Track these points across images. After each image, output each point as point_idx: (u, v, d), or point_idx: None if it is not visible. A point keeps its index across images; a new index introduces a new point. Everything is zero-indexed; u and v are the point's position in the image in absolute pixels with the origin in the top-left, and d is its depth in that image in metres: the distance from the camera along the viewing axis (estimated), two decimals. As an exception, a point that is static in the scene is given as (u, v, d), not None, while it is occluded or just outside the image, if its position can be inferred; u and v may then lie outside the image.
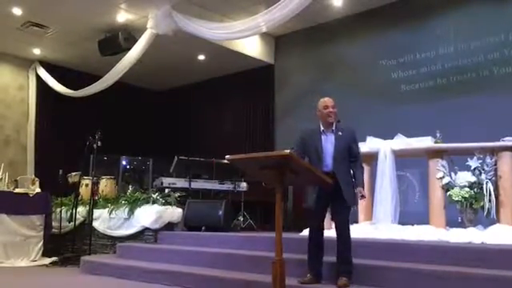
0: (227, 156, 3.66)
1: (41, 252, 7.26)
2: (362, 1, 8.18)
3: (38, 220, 7.32)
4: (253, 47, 9.55)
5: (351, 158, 4.15)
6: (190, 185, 7.41)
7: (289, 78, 9.64)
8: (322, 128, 4.20)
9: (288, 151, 3.39)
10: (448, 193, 5.15)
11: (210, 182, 7.72)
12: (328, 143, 4.13)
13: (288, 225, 7.41)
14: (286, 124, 9.46)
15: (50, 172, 8.22)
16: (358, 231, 5.39)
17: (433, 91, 7.71)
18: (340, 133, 4.16)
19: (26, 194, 7.32)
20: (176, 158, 7.47)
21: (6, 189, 7.34)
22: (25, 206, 7.19)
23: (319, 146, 4.12)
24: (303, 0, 6.25)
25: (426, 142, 5.38)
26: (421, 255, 4.28)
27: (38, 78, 10.42)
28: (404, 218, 5.42)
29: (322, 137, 4.16)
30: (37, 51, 10.06)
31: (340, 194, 4.01)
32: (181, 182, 7.40)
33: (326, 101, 4.23)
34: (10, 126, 10.25)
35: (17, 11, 8.18)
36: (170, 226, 6.69)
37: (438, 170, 5.23)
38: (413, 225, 5.26)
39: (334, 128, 4.16)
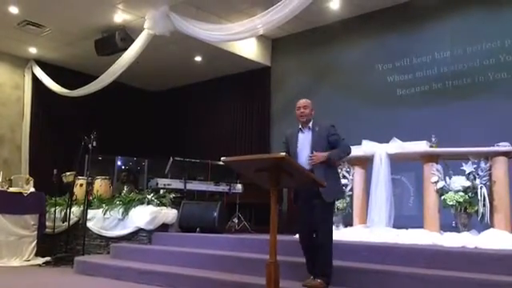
0: (223, 158, 3.66)
1: (34, 252, 7.24)
2: (359, 4, 8.20)
3: (31, 219, 7.30)
4: (250, 49, 9.55)
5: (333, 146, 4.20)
6: (185, 186, 7.40)
7: (285, 81, 9.65)
8: (300, 126, 4.34)
9: (283, 154, 3.39)
10: (442, 197, 5.17)
11: (205, 184, 7.71)
12: (305, 140, 4.25)
13: (283, 227, 7.40)
14: (282, 126, 9.42)
15: (45, 171, 8.20)
16: (352, 234, 5.41)
17: (428, 95, 7.74)
18: (317, 128, 4.28)
19: (20, 193, 7.29)
20: (171, 158, 7.46)
21: (0, 188, 7.31)
22: (19, 206, 7.16)
23: (296, 144, 4.26)
24: (300, 3, 6.26)
25: (421, 146, 5.39)
26: (415, 259, 4.29)
27: (34, 77, 10.37)
28: (398, 222, 5.44)
29: (300, 135, 4.30)
30: (33, 50, 10.03)
31: (318, 191, 4.02)
32: (176, 183, 7.39)
33: (299, 102, 4.35)
34: (4, 125, 10.20)
35: (13, 10, 8.16)
36: (164, 227, 6.68)
37: (432, 174, 5.25)
38: (407, 228, 5.28)
39: (310, 125, 4.29)
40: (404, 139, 5.55)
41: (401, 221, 5.52)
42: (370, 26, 8.44)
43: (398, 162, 5.79)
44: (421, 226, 5.24)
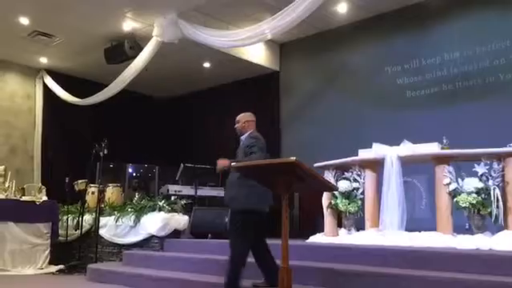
0: (233, 163, 3.66)
1: (47, 260, 7.28)
2: (367, 7, 8.19)
3: (44, 228, 7.35)
4: (258, 54, 9.57)
5: None
6: (195, 192, 7.41)
7: (294, 85, 9.65)
8: None
9: (293, 158, 3.38)
10: (455, 199, 5.12)
11: (216, 189, 7.72)
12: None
13: (294, 232, 7.38)
14: (292, 130, 9.46)
15: (57, 180, 8.26)
16: (364, 238, 5.38)
17: (439, 97, 7.69)
18: (243, 140, 4.46)
19: (33, 201, 7.35)
20: (182, 165, 7.49)
21: (13, 197, 7.38)
22: (32, 214, 7.22)
23: None
24: (308, 7, 6.27)
25: (432, 148, 5.36)
26: (428, 262, 4.26)
27: (45, 86, 10.48)
28: (411, 225, 5.39)
29: None
30: (43, 60, 10.14)
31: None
32: (187, 189, 7.42)
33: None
34: (17, 135, 10.30)
35: (24, 21, 8.26)
36: (176, 234, 6.69)
37: (444, 176, 5.20)
38: (420, 231, 5.23)
39: (242, 138, 4.51)
40: (415, 141, 5.51)
41: (413, 224, 5.47)
42: (378, 29, 8.43)
43: (409, 165, 5.75)
44: (434, 229, 5.19)
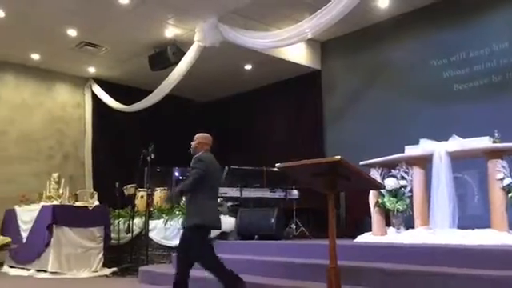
0: (277, 164, 3.66)
1: (101, 263, 7.51)
2: (408, 1, 8.00)
3: (97, 232, 7.60)
4: (299, 54, 9.53)
5: None
6: (241, 194, 7.46)
7: (337, 83, 9.55)
8: None
9: (338, 157, 3.35)
10: (510, 194, 4.93)
11: (261, 191, 7.74)
12: None
13: (341, 232, 7.30)
14: (336, 129, 9.36)
15: (107, 185, 8.51)
16: (414, 237, 5.26)
17: (488, 89, 7.41)
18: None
19: (86, 207, 7.61)
20: (226, 168, 7.55)
21: (67, 203, 7.67)
22: (85, 219, 7.48)
23: None
24: (348, 4, 6.18)
25: (483, 143, 5.17)
26: (482, 260, 4.11)
27: (93, 94, 10.84)
28: (463, 222, 5.23)
29: None
30: (91, 69, 10.49)
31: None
32: (232, 191, 7.46)
33: None
34: (69, 143, 10.70)
35: (72, 32, 8.59)
36: (223, 236, 6.75)
37: (497, 171, 5.02)
38: (473, 229, 5.07)
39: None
40: (464, 136, 5.34)
41: (466, 221, 5.30)
42: (421, 22, 8.21)
43: (458, 160, 5.58)
44: (487, 226, 5.02)
